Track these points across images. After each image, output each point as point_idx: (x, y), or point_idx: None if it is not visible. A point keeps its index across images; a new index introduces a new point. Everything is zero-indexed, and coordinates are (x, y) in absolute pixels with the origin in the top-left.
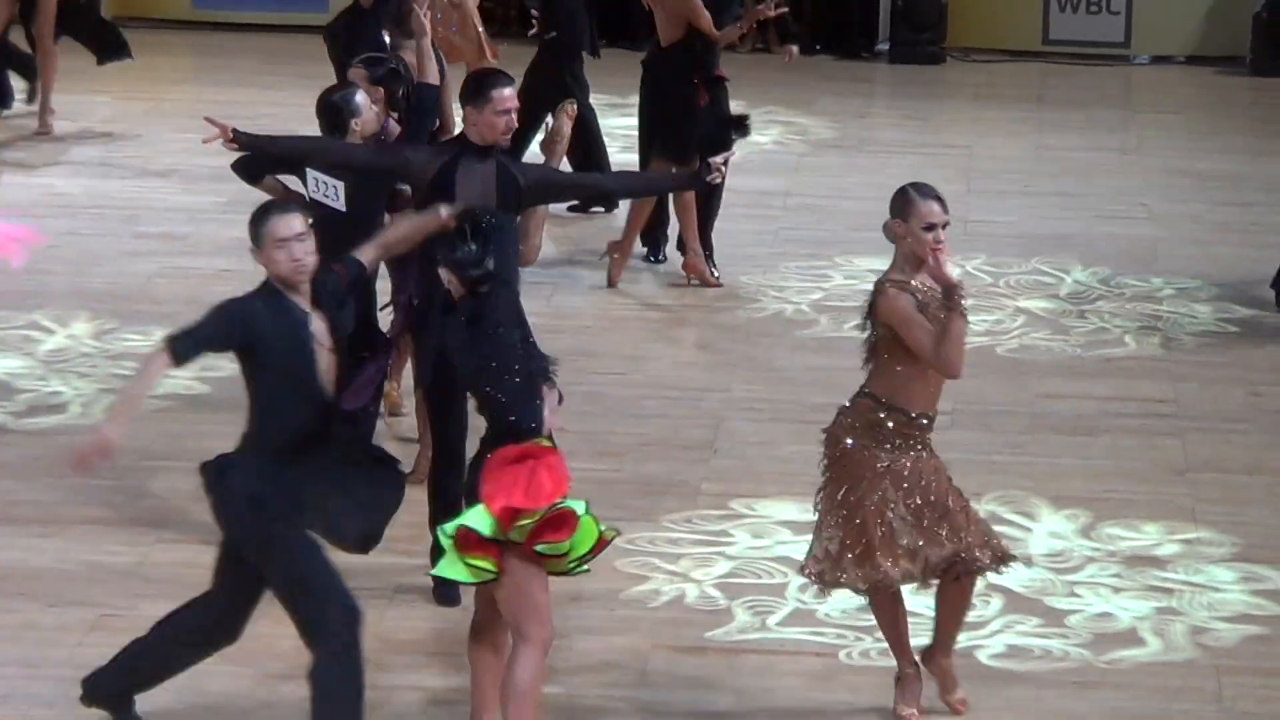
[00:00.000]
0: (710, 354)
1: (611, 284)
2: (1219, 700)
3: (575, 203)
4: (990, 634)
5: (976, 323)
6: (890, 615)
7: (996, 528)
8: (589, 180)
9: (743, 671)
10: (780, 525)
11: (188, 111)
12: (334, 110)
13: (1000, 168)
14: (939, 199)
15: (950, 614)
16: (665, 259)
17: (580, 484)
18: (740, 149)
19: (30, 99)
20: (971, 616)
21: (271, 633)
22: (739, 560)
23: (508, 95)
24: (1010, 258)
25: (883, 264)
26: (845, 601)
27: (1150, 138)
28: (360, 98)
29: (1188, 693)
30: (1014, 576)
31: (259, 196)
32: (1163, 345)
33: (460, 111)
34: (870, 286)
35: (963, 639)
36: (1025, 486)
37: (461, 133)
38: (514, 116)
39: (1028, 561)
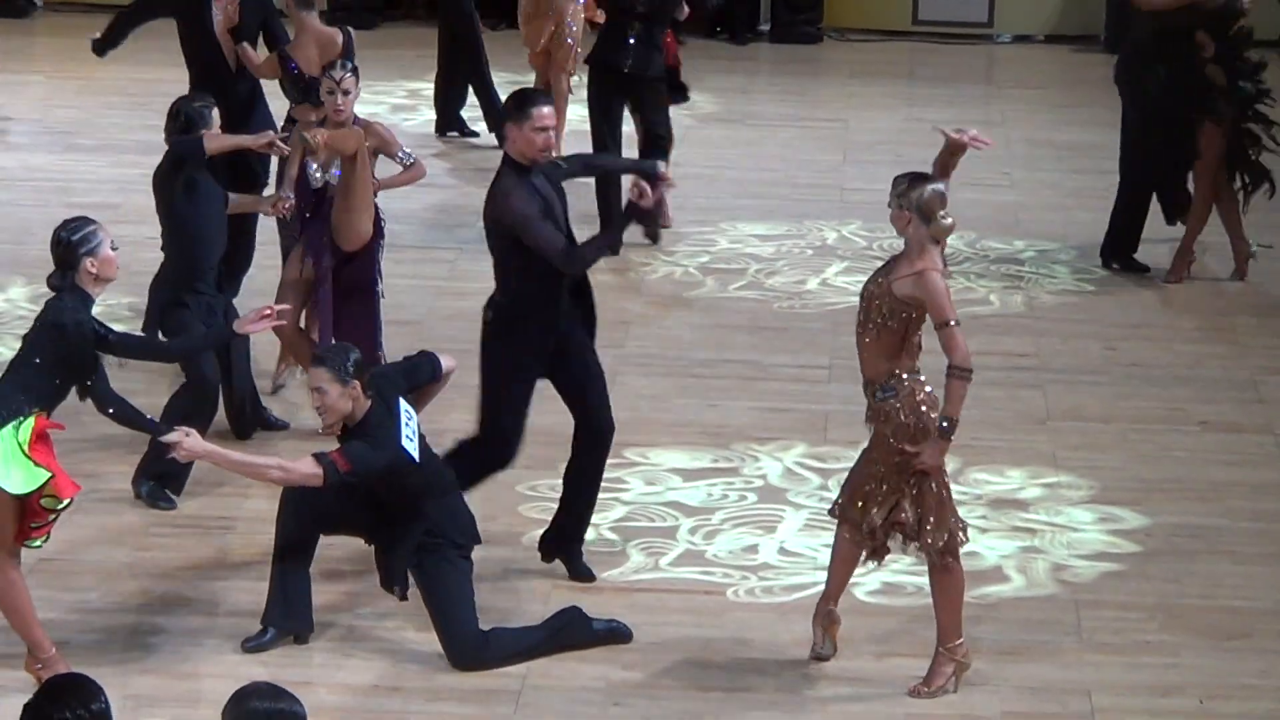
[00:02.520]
0: (605, 312)
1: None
2: (1078, 632)
3: None
4: (866, 572)
5: (853, 284)
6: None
7: None
8: (592, 163)
9: (637, 609)
10: (671, 472)
11: (116, 90)
12: (190, 115)
13: (873, 139)
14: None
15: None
16: None
17: None
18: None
19: None
20: None
21: None
22: (633, 505)
23: (547, 113)
24: (883, 223)
25: (765, 229)
26: (732, 543)
27: (1012, 111)
28: (215, 114)
29: (1049, 625)
30: None
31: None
32: (1025, 303)
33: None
34: (753, 250)
35: None
36: None
37: (506, 155)
38: (552, 135)
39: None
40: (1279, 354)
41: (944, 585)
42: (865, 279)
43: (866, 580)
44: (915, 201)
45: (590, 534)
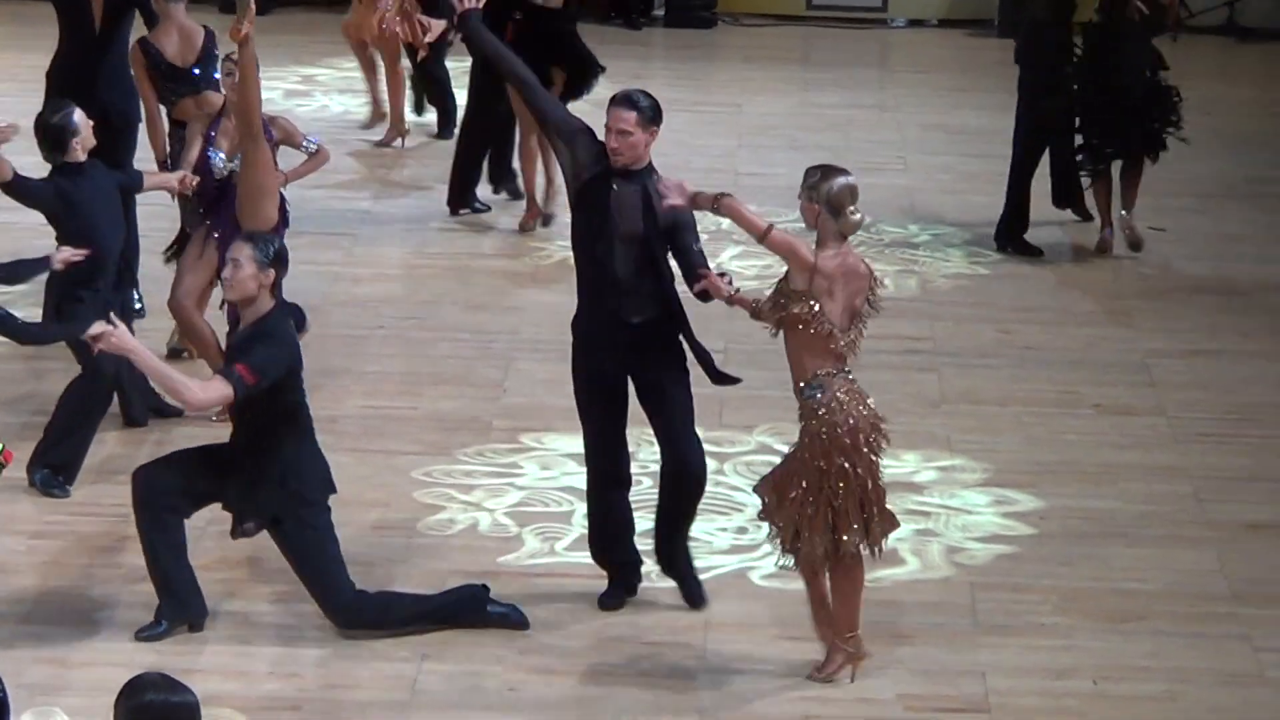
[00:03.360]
0: (500, 299)
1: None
2: (973, 613)
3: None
4: (761, 555)
5: (745, 267)
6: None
7: (766, 458)
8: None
9: (535, 594)
10: (566, 457)
11: (5, 76)
12: (56, 132)
13: (768, 124)
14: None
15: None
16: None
17: (380, 421)
18: None
19: None
20: (744, 540)
21: None
22: (528, 490)
23: (612, 114)
24: (778, 207)
25: None
26: None
27: (906, 95)
28: (78, 116)
29: (945, 607)
30: None
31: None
32: (919, 287)
33: None
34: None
35: (735, 561)
36: (793, 420)
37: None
38: (617, 139)
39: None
40: (1171, 337)
41: (849, 580)
42: (759, 263)
43: (761, 564)
44: (825, 194)
45: (485, 519)
